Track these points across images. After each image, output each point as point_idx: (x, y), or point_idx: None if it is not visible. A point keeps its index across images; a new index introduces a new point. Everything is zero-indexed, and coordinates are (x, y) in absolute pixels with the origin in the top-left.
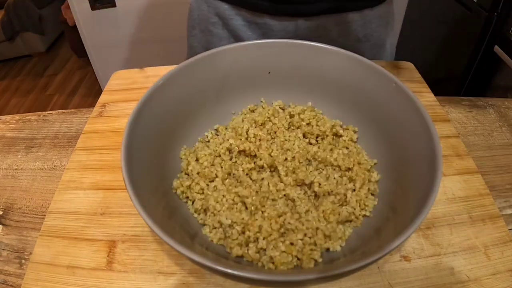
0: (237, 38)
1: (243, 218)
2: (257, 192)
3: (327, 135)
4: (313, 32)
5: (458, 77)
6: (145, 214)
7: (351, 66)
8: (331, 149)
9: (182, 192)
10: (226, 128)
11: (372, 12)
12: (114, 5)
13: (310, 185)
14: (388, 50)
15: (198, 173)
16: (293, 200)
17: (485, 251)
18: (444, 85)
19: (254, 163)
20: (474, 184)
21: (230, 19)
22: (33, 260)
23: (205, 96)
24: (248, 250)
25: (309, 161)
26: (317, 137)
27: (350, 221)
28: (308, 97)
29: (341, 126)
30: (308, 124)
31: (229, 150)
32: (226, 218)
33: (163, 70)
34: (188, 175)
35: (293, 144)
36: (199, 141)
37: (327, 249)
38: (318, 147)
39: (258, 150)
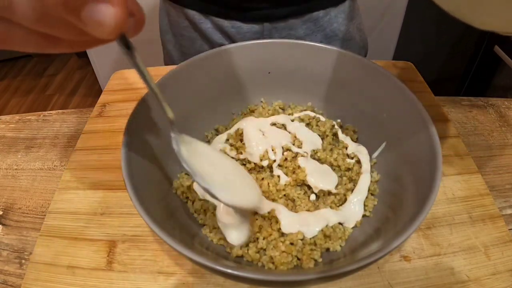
0: (208, 41)
1: None
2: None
3: (327, 135)
4: (280, 32)
5: (458, 77)
6: (145, 214)
7: (351, 66)
8: (331, 149)
9: (183, 193)
10: (226, 128)
11: (336, 9)
12: None
13: (310, 185)
14: (359, 44)
15: None
16: (293, 200)
17: (485, 251)
18: (444, 85)
19: (255, 163)
20: (474, 184)
21: (200, 23)
22: (33, 260)
23: (205, 96)
24: (248, 250)
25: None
26: None
27: None
28: (308, 97)
29: (341, 126)
30: (308, 124)
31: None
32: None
33: (163, 70)
34: (188, 175)
35: (293, 145)
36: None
37: (327, 249)
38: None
39: None
